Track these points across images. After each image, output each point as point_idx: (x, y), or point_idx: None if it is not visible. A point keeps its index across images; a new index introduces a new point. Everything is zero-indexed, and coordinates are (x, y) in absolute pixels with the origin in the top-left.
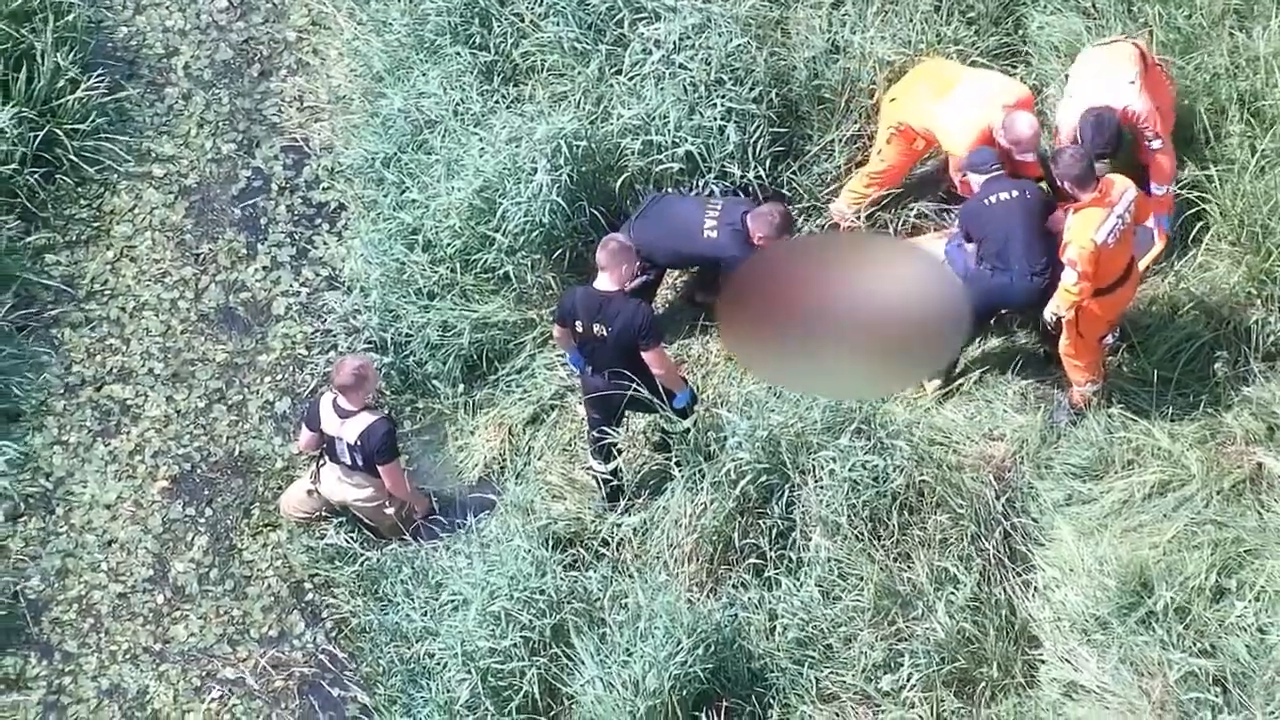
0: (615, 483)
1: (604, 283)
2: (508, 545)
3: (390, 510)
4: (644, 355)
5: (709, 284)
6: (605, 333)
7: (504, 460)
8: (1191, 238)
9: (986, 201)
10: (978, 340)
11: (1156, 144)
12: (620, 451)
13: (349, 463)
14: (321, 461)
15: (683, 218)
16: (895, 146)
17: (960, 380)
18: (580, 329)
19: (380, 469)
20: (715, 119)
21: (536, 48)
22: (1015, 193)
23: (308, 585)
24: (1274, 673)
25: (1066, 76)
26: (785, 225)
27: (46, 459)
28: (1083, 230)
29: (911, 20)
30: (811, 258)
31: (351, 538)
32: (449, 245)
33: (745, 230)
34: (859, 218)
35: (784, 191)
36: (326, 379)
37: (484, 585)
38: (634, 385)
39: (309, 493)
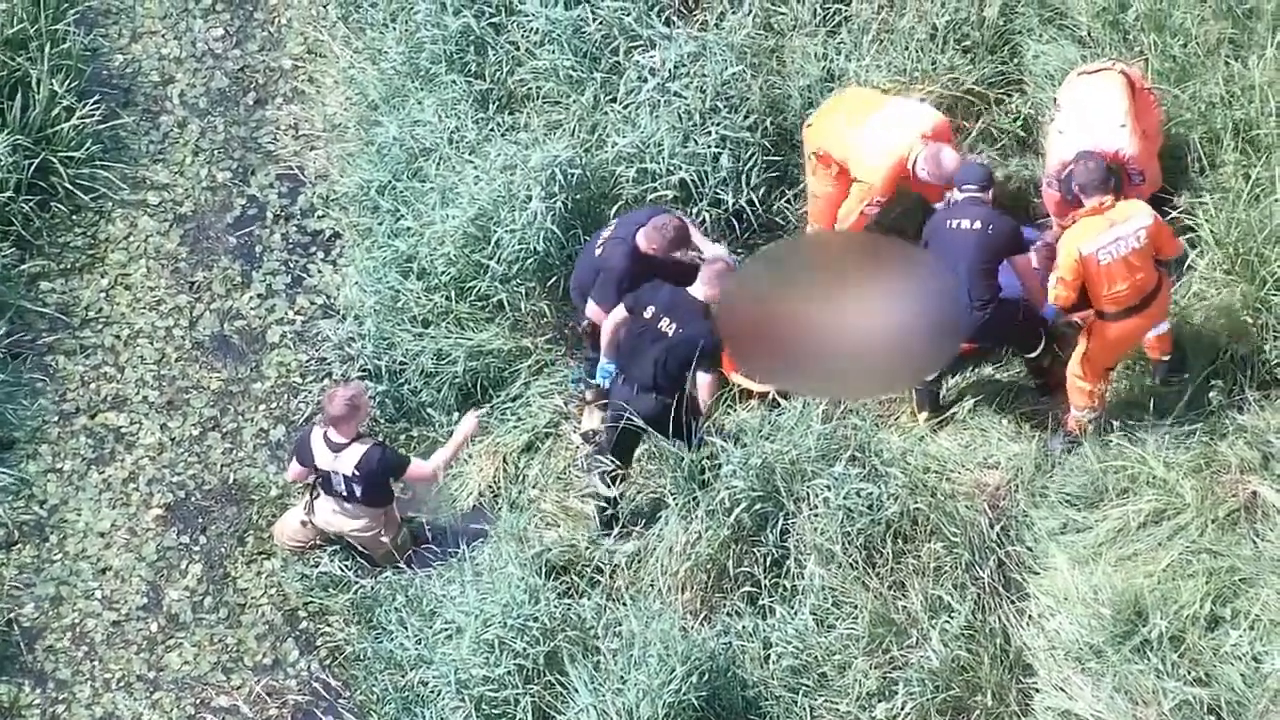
0: (612, 511)
1: (698, 292)
2: (501, 573)
3: (386, 539)
4: (700, 374)
5: None
6: (671, 330)
7: (498, 488)
8: (1186, 265)
9: (949, 224)
10: (966, 368)
11: (1139, 180)
12: (623, 479)
13: (345, 494)
14: (315, 495)
15: (584, 253)
16: (818, 176)
17: (954, 409)
18: (648, 315)
19: (405, 478)
20: (710, 146)
21: (532, 75)
22: (978, 224)
23: (302, 613)
24: (1268, 701)
25: (1055, 100)
26: (679, 238)
27: (41, 486)
28: (1071, 239)
29: (907, 48)
30: (809, 258)
31: (345, 566)
32: (443, 273)
33: (632, 244)
34: None
35: (777, 219)
36: (319, 411)
37: (478, 613)
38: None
39: (303, 524)
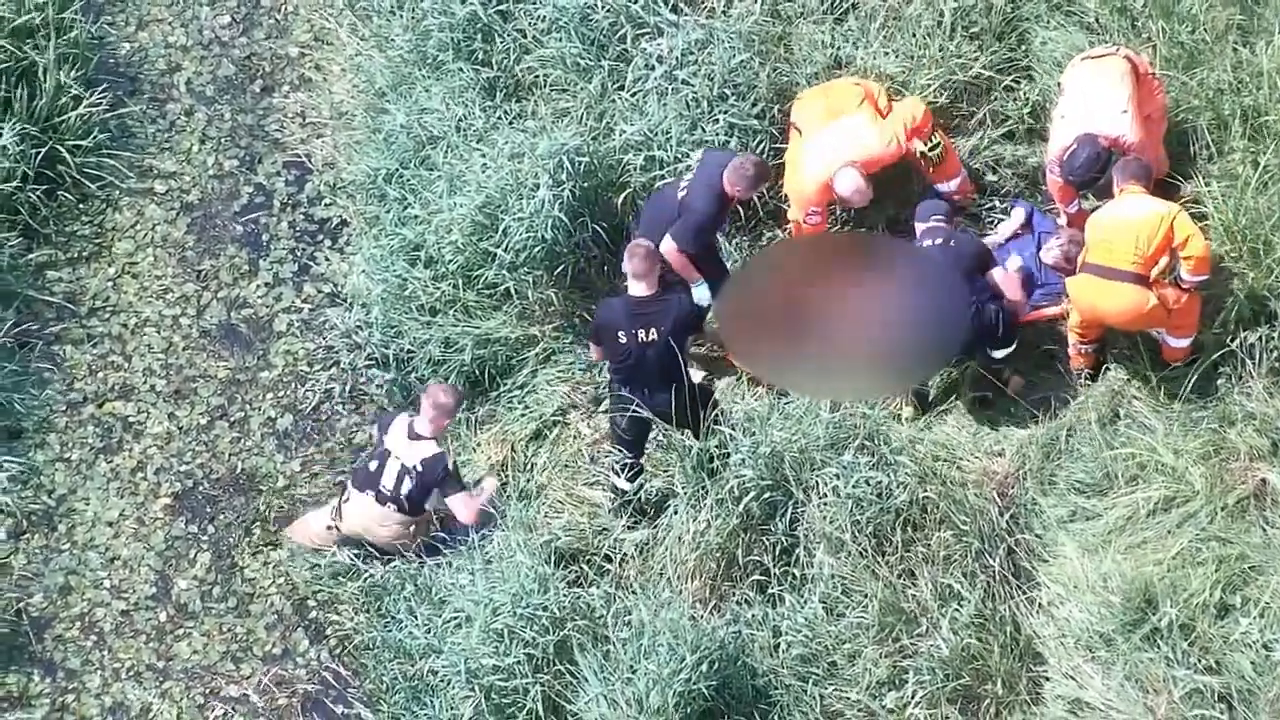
0: (622, 500)
1: (640, 289)
2: (510, 562)
3: (412, 541)
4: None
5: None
6: (655, 335)
7: (506, 476)
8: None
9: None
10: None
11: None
12: (640, 471)
13: (389, 485)
14: (345, 497)
15: (663, 199)
16: (792, 143)
17: (944, 405)
18: (623, 339)
19: (446, 500)
20: (717, 134)
21: (539, 64)
22: (939, 240)
23: (311, 603)
24: (1279, 689)
25: (1060, 85)
26: (760, 174)
27: (49, 476)
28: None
29: (915, 35)
30: (813, 257)
31: (355, 555)
32: (451, 261)
33: (720, 186)
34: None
35: (783, 206)
36: (327, 400)
37: (487, 602)
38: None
39: (328, 528)
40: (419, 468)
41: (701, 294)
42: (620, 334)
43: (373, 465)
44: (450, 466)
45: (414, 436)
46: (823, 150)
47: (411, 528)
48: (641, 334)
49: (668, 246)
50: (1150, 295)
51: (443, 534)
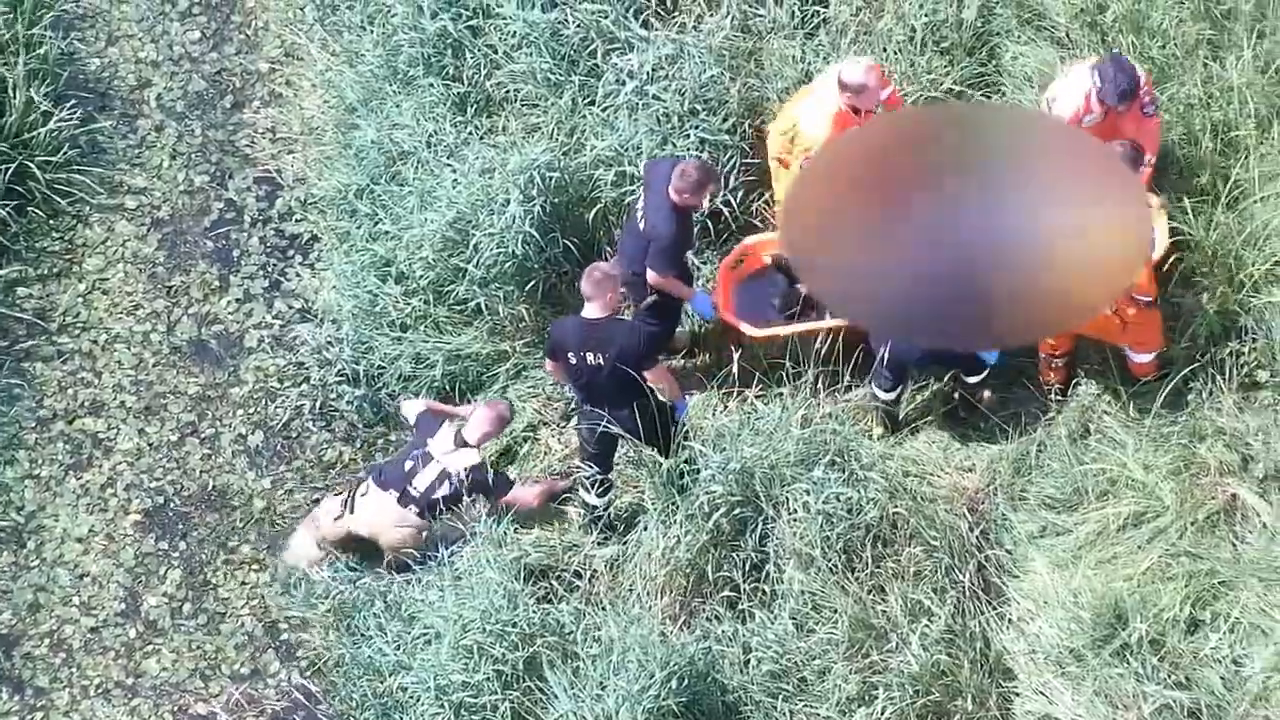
0: (594, 517)
1: (593, 311)
2: (480, 578)
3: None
4: (646, 374)
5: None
6: (601, 360)
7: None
8: (1165, 266)
9: None
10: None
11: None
12: (610, 486)
13: (422, 490)
14: (362, 491)
15: (630, 232)
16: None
17: (928, 417)
18: (573, 360)
19: (508, 499)
20: (688, 149)
21: (510, 79)
22: None
23: (283, 625)
24: (1248, 705)
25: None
26: (703, 176)
27: (18, 492)
28: None
29: (885, 50)
30: (918, 135)
31: (340, 567)
32: (422, 277)
33: (669, 203)
34: None
35: (754, 221)
36: (297, 416)
37: (456, 618)
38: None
39: (336, 519)
40: (463, 474)
41: (702, 303)
42: (570, 355)
43: (407, 465)
44: (496, 471)
45: (460, 444)
46: (825, 98)
47: (424, 534)
48: (589, 357)
49: (652, 278)
50: None
51: (413, 551)
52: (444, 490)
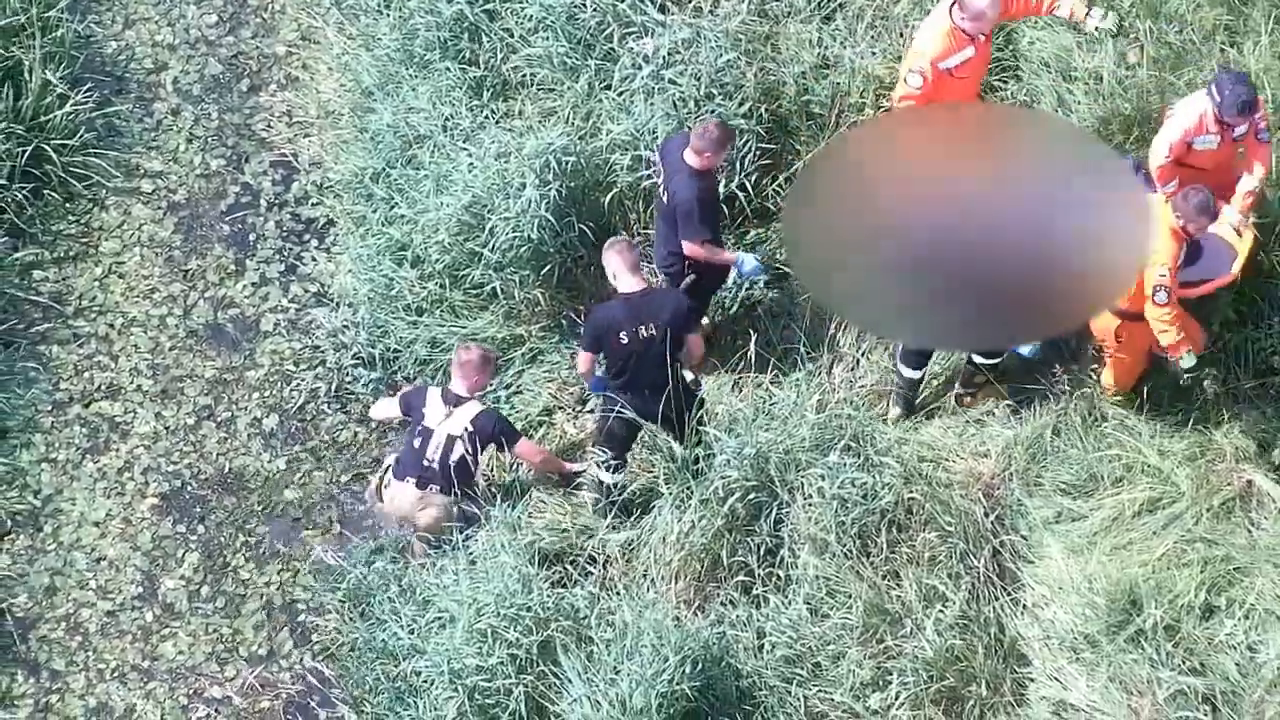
0: (607, 500)
1: (631, 284)
2: (494, 562)
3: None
4: (688, 339)
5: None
6: (654, 330)
7: (491, 476)
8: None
9: None
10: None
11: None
12: (622, 467)
13: (437, 462)
14: (385, 482)
15: (657, 207)
16: None
17: (940, 400)
18: (625, 339)
19: (514, 450)
20: None
21: (526, 63)
22: None
23: (300, 606)
24: (1263, 691)
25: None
26: (723, 135)
27: (35, 476)
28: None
29: (903, 35)
30: (923, 135)
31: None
32: (437, 261)
33: (688, 165)
34: None
35: (769, 205)
36: (311, 399)
37: (471, 602)
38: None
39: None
40: (469, 428)
41: (749, 262)
42: (621, 334)
43: (416, 443)
44: (499, 418)
45: (454, 402)
46: (927, 25)
47: (454, 509)
48: (643, 330)
49: (688, 248)
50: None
51: (428, 536)
52: (456, 454)
